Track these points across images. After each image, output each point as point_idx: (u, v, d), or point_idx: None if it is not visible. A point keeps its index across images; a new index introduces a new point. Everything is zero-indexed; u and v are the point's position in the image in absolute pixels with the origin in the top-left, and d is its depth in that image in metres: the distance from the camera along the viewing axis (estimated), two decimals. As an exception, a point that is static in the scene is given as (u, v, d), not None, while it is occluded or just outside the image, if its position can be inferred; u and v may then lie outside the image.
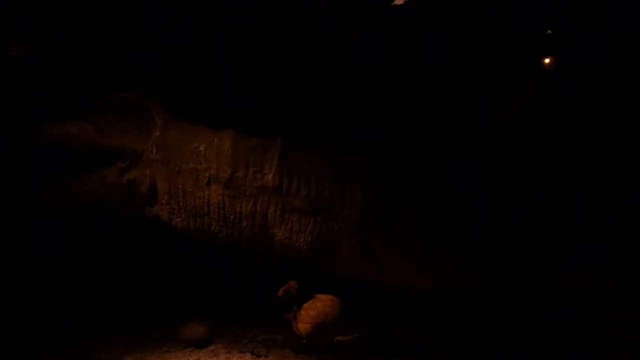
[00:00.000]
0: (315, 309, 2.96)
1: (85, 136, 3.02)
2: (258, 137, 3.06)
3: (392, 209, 3.05)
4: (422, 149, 3.14)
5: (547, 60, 3.26)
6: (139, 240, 3.35)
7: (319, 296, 3.03)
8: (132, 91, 3.10)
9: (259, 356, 3.14)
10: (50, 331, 3.04)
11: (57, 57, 3.15)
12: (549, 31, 3.13)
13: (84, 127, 3.02)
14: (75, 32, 3.12)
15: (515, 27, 3.15)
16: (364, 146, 3.15)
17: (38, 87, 3.08)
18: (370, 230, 3.04)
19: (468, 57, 3.22)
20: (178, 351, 3.13)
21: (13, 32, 3.05)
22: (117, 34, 3.17)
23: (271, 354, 3.18)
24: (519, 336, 2.91)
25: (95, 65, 3.16)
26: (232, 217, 3.04)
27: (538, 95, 3.19)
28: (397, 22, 3.19)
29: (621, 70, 3.04)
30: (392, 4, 2.93)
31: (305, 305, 3.00)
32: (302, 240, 3.04)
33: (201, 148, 3.04)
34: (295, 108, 3.29)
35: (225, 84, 3.31)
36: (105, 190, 3.08)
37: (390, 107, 3.33)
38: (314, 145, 3.16)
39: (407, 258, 3.00)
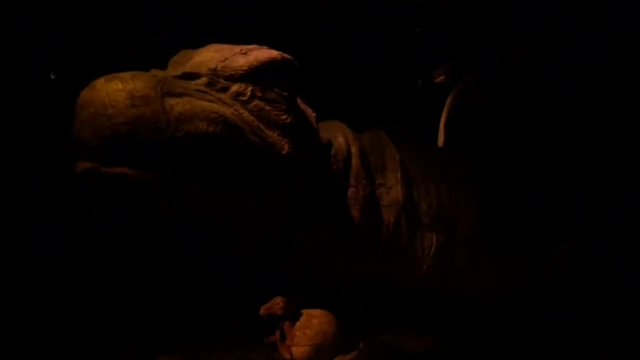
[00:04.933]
0: (312, 328, 2.47)
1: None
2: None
3: (501, 216, 2.76)
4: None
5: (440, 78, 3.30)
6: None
7: (311, 312, 2.52)
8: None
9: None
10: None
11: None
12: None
13: None
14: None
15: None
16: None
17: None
18: (481, 240, 2.70)
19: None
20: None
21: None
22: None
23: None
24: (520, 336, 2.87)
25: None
26: None
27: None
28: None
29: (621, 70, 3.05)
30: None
31: (298, 324, 2.49)
32: (424, 265, 2.54)
33: None
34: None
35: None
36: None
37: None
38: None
39: (499, 266, 2.74)
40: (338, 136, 2.46)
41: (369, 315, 2.70)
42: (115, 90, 1.69)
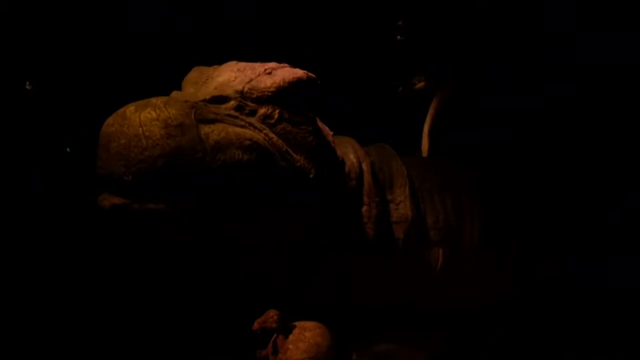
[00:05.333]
0: (305, 341, 2.43)
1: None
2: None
3: (503, 225, 2.72)
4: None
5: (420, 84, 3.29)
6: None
7: (304, 324, 2.46)
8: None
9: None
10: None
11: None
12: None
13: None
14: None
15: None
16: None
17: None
18: (486, 250, 2.66)
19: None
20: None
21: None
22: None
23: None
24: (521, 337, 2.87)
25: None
26: None
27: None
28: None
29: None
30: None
31: (291, 337, 2.43)
32: (432, 279, 2.50)
33: None
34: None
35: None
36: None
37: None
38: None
39: (501, 274, 2.70)
40: (349, 153, 2.42)
41: (362, 326, 2.68)
42: (149, 119, 1.60)
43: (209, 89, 1.92)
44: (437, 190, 2.61)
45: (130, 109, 1.65)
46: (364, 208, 2.33)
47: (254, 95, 1.92)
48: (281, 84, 1.97)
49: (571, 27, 3.09)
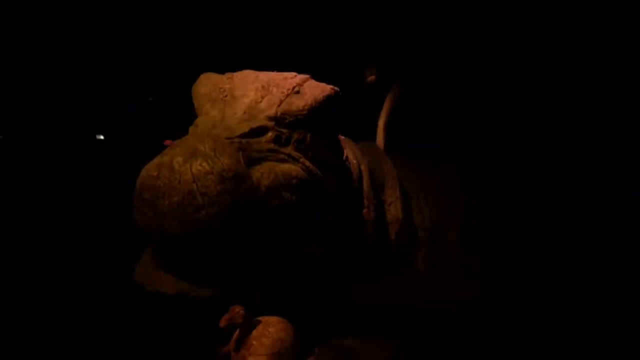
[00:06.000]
0: (269, 337, 2.38)
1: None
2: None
3: (485, 223, 2.72)
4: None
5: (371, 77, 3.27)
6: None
7: (267, 319, 2.40)
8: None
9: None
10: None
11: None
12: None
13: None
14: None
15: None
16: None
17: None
18: (469, 249, 2.65)
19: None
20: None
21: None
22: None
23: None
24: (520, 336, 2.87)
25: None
26: None
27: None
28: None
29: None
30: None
31: (255, 333, 2.37)
32: (420, 278, 2.47)
33: None
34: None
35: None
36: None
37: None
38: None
39: (483, 272, 2.68)
40: (348, 153, 2.35)
41: (325, 321, 2.62)
42: (203, 173, 1.49)
43: (238, 114, 1.81)
44: (422, 191, 2.59)
45: (177, 160, 1.53)
46: (365, 210, 2.29)
47: (287, 121, 1.83)
48: (313, 104, 1.88)
49: (571, 27, 3.10)
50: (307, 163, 1.84)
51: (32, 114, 3.10)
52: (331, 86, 1.97)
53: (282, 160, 1.76)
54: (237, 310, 2.31)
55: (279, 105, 1.84)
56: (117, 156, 3.29)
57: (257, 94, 1.85)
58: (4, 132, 3.08)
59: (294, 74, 1.98)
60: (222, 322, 2.29)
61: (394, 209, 2.36)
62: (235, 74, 1.99)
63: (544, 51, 3.16)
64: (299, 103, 1.86)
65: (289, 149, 1.81)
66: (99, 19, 3.15)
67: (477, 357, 2.65)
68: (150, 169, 1.55)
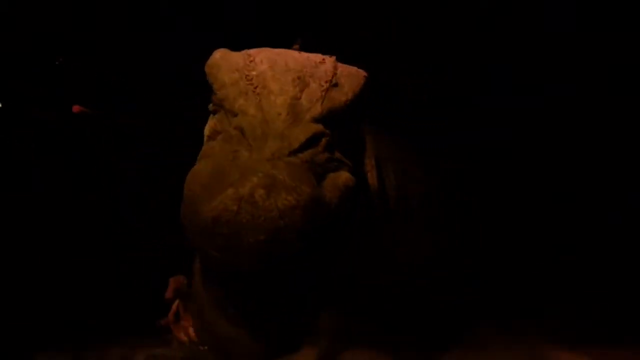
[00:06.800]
0: None
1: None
2: None
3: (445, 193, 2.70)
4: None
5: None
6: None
7: None
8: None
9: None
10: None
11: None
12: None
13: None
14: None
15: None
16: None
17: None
18: (433, 218, 2.61)
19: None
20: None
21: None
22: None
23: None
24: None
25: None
26: None
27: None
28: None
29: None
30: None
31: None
32: (391, 251, 2.39)
33: None
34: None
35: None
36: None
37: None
38: None
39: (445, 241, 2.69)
40: None
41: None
42: (289, 207, 1.41)
43: (282, 114, 1.60)
44: (387, 160, 2.51)
45: (260, 193, 1.42)
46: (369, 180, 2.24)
47: (330, 119, 1.70)
48: (352, 98, 1.77)
49: (571, 27, 3.10)
50: (350, 164, 1.73)
51: (33, 111, 3.10)
52: (362, 71, 1.87)
53: (336, 169, 1.65)
54: (181, 280, 2.26)
55: (321, 103, 1.70)
56: (117, 156, 3.30)
57: (295, 88, 1.71)
58: (4, 132, 3.08)
59: (320, 56, 1.87)
60: (168, 294, 2.24)
61: (371, 178, 2.27)
62: (252, 54, 1.86)
63: (544, 51, 3.17)
64: (340, 98, 1.75)
65: (337, 154, 1.69)
66: (99, 18, 3.15)
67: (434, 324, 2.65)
68: (225, 200, 1.43)
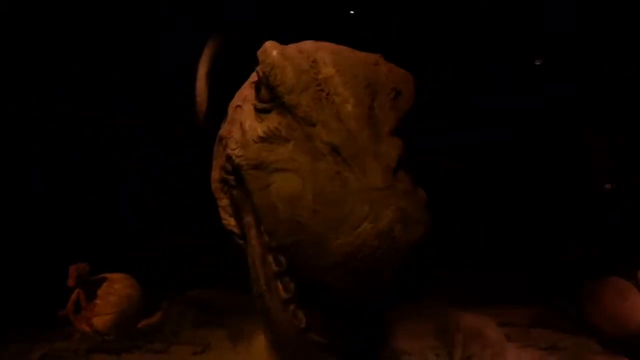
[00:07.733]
0: (115, 294, 2.26)
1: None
2: None
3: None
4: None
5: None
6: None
7: (111, 276, 2.29)
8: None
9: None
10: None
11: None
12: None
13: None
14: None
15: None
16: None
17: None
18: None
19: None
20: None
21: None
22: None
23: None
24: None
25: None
26: None
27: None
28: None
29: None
30: None
31: (99, 292, 2.25)
32: None
33: None
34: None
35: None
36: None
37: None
38: None
39: None
40: None
41: (173, 276, 2.61)
42: (417, 239, 1.40)
43: (365, 130, 1.57)
44: None
45: (397, 228, 1.38)
46: None
47: (399, 130, 1.63)
48: (412, 105, 1.71)
49: (571, 27, 3.10)
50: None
51: (32, 114, 3.10)
52: (408, 73, 1.78)
53: (413, 182, 1.57)
54: (83, 266, 2.24)
55: (392, 113, 1.64)
56: (117, 156, 3.30)
57: (368, 97, 1.62)
58: (4, 132, 3.08)
59: (372, 56, 1.78)
60: (70, 282, 2.21)
61: None
62: (308, 50, 1.72)
63: (544, 51, 3.17)
64: (404, 106, 1.68)
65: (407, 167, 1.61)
66: (99, 18, 3.15)
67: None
68: (365, 237, 1.39)
